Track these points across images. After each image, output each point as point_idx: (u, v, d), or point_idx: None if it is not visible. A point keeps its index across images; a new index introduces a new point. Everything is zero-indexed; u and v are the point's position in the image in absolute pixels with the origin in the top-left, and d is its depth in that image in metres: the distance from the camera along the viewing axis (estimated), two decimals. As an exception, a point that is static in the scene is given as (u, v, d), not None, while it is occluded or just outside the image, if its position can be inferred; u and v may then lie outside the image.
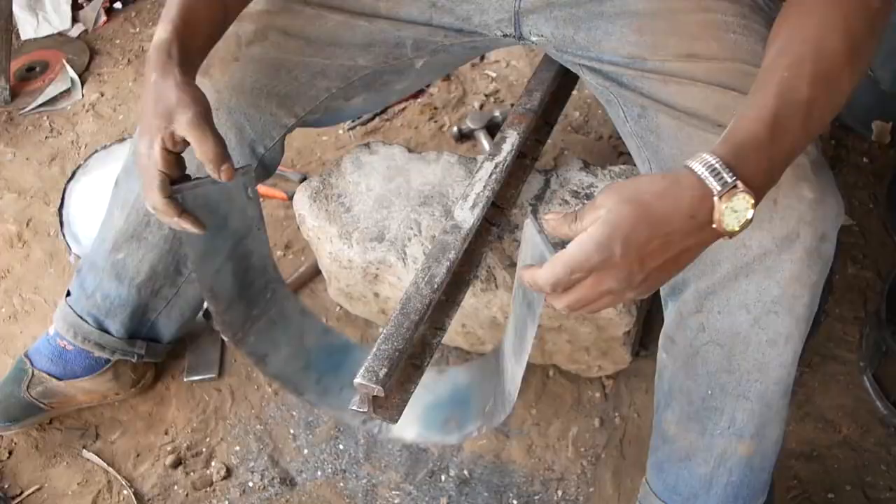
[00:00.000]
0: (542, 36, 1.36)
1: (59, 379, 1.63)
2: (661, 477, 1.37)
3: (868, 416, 1.66)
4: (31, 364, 1.63)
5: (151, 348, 1.67)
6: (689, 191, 0.87)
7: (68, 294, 1.60)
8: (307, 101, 1.41)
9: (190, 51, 1.16)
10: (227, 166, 1.09)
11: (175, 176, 1.12)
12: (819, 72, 0.94)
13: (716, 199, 0.87)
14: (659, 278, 0.91)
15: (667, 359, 1.28)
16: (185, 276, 1.55)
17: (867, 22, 0.98)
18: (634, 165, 1.61)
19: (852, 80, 0.97)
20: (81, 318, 1.58)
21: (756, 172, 0.89)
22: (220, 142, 1.09)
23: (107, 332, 1.59)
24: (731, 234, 0.89)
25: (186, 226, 1.14)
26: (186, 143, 1.09)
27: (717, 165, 0.87)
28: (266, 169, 1.45)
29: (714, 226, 0.88)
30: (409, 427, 1.39)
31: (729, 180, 0.87)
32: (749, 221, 0.88)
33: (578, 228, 0.89)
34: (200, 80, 1.31)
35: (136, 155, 1.12)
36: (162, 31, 1.14)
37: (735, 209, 0.87)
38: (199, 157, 1.08)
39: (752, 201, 0.87)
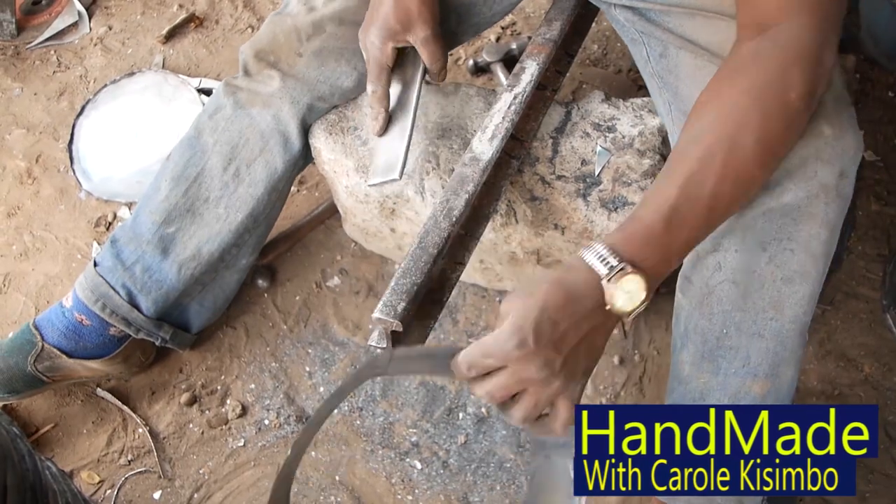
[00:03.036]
0: None
1: (69, 356, 1.58)
2: None
3: (890, 355, 1.65)
4: (42, 337, 1.57)
5: (178, 335, 1.64)
6: (580, 275, 0.93)
7: (95, 265, 1.55)
8: (361, 88, 1.49)
9: None
10: (445, 72, 1.40)
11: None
12: (728, 169, 0.96)
13: (604, 282, 0.92)
14: (577, 362, 0.94)
15: (683, 299, 1.28)
16: (226, 262, 1.56)
17: (786, 121, 0.98)
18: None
19: (764, 177, 1.02)
20: (114, 289, 1.53)
21: (647, 257, 0.94)
22: (445, 54, 1.37)
23: (137, 308, 1.56)
24: (625, 316, 0.94)
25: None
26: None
27: (604, 252, 0.93)
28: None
29: (608, 307, 0.93)
30: None
31: (615, 265, 0.92)
32: (643, 303, 0.93)
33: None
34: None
35: (367, 44, 1.35)
36: None
37: (626, 290, 0.92)
38: (428, 64, 1.36)
39: (644, 283, 0.92)
